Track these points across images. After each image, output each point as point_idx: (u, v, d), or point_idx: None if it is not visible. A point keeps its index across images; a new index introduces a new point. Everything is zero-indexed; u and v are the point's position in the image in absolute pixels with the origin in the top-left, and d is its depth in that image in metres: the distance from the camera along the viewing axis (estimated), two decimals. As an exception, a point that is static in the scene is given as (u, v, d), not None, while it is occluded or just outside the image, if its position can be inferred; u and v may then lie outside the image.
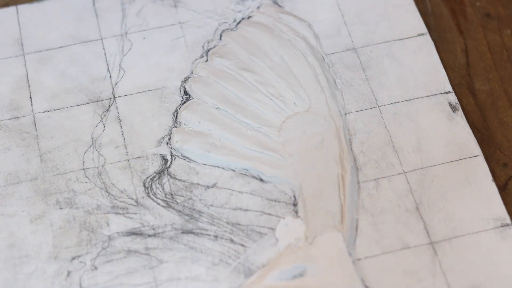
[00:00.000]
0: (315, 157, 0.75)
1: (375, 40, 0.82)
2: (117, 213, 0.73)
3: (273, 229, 0.72)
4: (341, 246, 0.70)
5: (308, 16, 0.83)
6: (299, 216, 0.72)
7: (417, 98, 0.78)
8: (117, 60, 0.80)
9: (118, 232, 0.72)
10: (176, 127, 0.77)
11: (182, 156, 0.75)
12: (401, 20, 0.83)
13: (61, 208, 0.73)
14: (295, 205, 0.73)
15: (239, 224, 0.72)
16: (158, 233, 0.72)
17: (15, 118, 0.78)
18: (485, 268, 0.70)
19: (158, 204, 0.73)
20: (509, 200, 0.73)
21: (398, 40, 0.82)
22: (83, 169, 0.75)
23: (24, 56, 0.81)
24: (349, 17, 0.83)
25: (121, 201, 0.73)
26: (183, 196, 0.74)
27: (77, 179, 0.74)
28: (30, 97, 0.79)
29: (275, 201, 0.73)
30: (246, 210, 0.73)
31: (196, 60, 0.81)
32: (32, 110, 0.78)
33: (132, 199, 0.73)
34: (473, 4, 0.85)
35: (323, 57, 0.81)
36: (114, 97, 0.79)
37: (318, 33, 0.82)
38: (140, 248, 0.71)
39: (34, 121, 0.77)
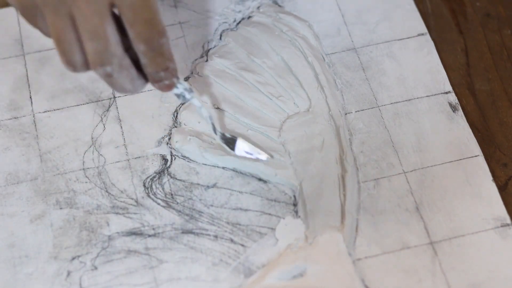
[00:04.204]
0: (315, 157, 0.75)
1: (375, 40, 0.82)
2: (117, 213, 0.73)
3: (273, 229, 0.72)
4: (341, 246, 0.70)
5: (308, 16, 0.83)
6: (299, 216, 0.72)
7: (417, 98, 0.78)
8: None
9: (118, 232, 0.72)
10: (176, 127, 0.77)
11: (182, 156, 0.75)
12: (401, 20, 0.83)
13: (61, 208, 0.73)
14: (295, 205, 0.73)
15: (239, 224, 0.72)
16: (158, 233, 0.72)
17: (15, 118, 0.78)
18: (485, 268, 0.70)
19: (158, 204, 0.73)
20: (509, 200, 0.73)
21: (398, 40, 0.82)
22: (83, 169, 0.75)
23: (24, 56, 0.81)
24: (349, 17, 0.83)
25: (121, 201, 0.73)
26: (183, 196, 0.74)
27: (77, 179, 0.74)
28: (30, 97, 0.79)
29: (275, 201, 0.73)
30: (246, 210, 0.73)
31: (196, 60, 0.81)
32: (32, 110, 0.78)
33: (132, 199, 0.73)
34: (473, 4, 0.85)
35: (323, 57, 0.81)
36: (114, 97, 0.79)
37: (318, 33, 0.82)
38: (140, 248, 0.71)
39: (34, 121, 0.77)
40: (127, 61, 0.62)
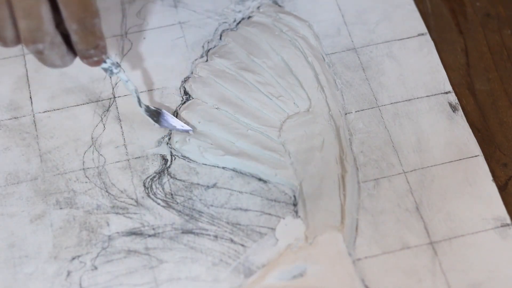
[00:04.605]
0: (315, 157, 0.75)
1: (375, 40, 0.82)
2: (117, 213, 0.73)
3: (273, 229, 0.72)
4: (341, 246, 0.70)
5: (308, 16, 0.83)
6: (299, 216, 0.72)
7: (417, 98, 0.78)
8: (117, 60, 0.80)
9: (118, 232, 0.72)
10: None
11: (182, 156, 0.75)
12: (401, 20, 0.83)
13: (61, 208, 0.73)
14: (295, 205, 0.73)
15: (239, 224, 0.72)
16: (158, 233, 0.72)
17: (15, 118, 0.78)
18: (485, 268, 0.70)
19: (158, 204, 0.73)
20: (509, 200, 0.73)
21: (398, 40, 0.82)
22: (83, 169, 0.75)
23: (24, 56, 0.81)
24: (349, 17, 0.83)
25: (121, 201, 0.73)
26: (183, 196, 0.74)
27: (77, 179, 0.74)
28: (30, 97, 0.79)
29: (275, 201, 0.73)
30: (246, 210, 0.73)
31: (196, 60, 0.81)
32: (32, 110, 0.78)
33: (132, 199, 0.73)
34: (473, 4, 0.85)
35: (323, 57, 0.81)
36: (114, 97, 0.79)
37: (318, 33, 0.82)
38: (140, 248, 0.71)
39: (34, 121, 0.77)
40: (58, 39, 0.64)
